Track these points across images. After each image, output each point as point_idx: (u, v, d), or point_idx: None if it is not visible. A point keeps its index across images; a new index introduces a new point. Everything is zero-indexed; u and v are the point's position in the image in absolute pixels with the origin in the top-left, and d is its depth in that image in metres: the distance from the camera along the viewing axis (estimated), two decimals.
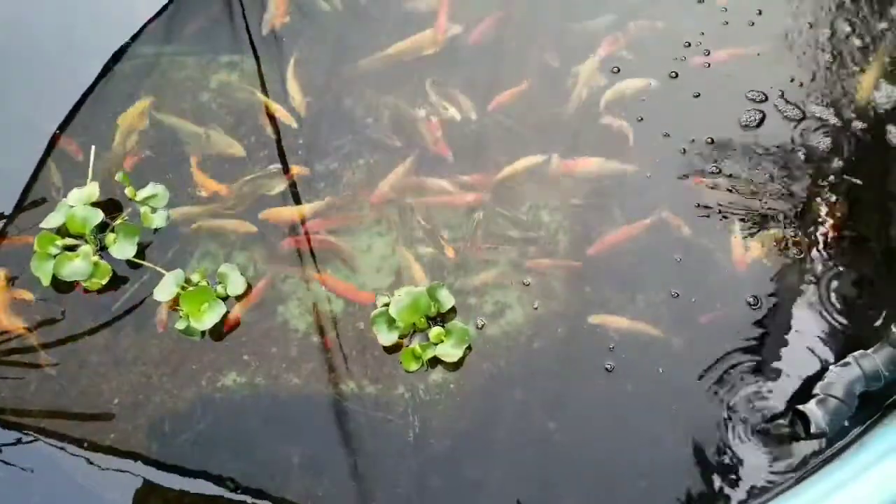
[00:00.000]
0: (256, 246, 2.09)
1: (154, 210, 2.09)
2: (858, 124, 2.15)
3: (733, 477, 1.77)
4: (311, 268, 2.06)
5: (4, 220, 2.14)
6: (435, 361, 1.91)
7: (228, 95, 2.32)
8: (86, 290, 2.03)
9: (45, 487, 1.84)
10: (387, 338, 1.92)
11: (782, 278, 1.97)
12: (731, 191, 2.09)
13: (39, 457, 1.87)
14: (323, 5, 2.46)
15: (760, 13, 2.36)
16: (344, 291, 2.01)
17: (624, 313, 1.94)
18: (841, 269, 1.97)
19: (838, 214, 2.04)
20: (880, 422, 1.77)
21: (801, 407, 1.76)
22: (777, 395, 1.83)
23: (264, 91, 2.32)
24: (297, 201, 2.14)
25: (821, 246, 2.00)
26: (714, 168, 2.12)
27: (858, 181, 2.08)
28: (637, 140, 2.17)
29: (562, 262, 2.02)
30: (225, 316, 1.97)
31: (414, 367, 1.90)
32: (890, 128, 2.14)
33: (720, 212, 2.06)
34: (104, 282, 2.02)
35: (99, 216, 2.03)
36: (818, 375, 1.82)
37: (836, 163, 2.11)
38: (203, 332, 1.97)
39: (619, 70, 2.28)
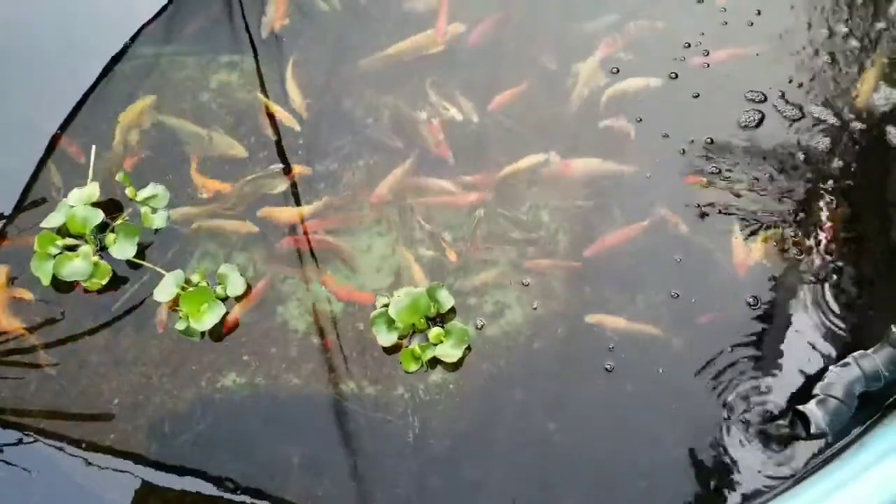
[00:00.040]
0: (256, 246, 2.09)
1: (154, 210, 2.09)
2: (857, 125, 2.16)
3: (733, 477, 1.77)
4: (311, 268, 2.06)
5: (4, 221, 2.14)
6: (434, 362, 1.91)
7: (228, 95, 2.32)
8: (86, 290, 2.03)
9: (44, 487, 1.84)
10: (386, 338, 1.92)
11: (782, 278, 1.97)
12: (730, 191, 2.09)
13: (39, 457, 1.87)
14: (322, 5, 2.46)
15: (759, 13, 2.36)
16: (347, 296, 2.01)
17: (624, 314, 1.94)
18: (841, 269, 1.97)
19: (838, 214, 2.04)
20: (880, 422, 1.77)
21: (801, 407, 1.76)
22: (777, 395, 1.83)
23: (264, 91, 2.32)
24: (298, 201, 2.14)
25: (821, 246, 2.00)
26: (713, 168, 2.12)
27: (858, 181, 2.08)
28: (637, 140, 2.17)
29: (561, 262, 2.02)
30: (224, 316, 1.97)
31: (413, 367, 1.90)
32: (889, 128, 2.14)
33: (720, 212, 2.06)
34: (104, 282, 2.02)
35: (99, 216, 2.03)
36: (818, 376, 1.82)
37: (836, 163, 2.11)
38: (203, 333, 1.97)
39: (618, 70, 2.28)
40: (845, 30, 2.32)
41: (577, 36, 2.36)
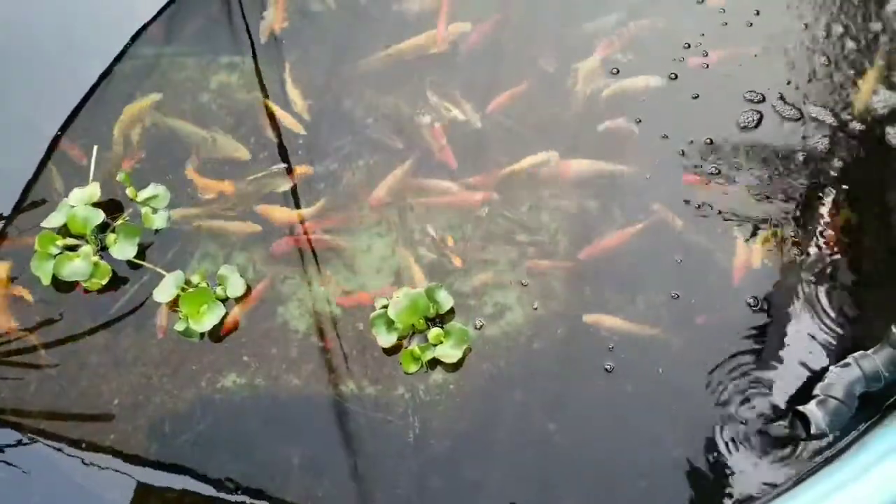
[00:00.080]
0: (256, 247, 2.09)
1: (155, 211, 2.09)
2: (856, 125, 2.16)
3: (733, 477, 1.77)
4: (311, 268, 2.06)
5: (4, 221, 2.14)
6: (434, 362, 1.91)
7: (228, 96, 2.32)
8: (86, 291, 2.03)
9: (44, 488, 1.84)
10: (386, 339, 1.92)
11: (782, 279, 1.97)
12: (730, 192, 2.09)
13: (39, 457, 1.87)
14: (322, 6, 2.46)
15: (758, 14, 2.36)
16: (351, 305, 2.01)
17: (624, 314, 1.94)
18: (840, 269, 1.97)
19: (837, 215, 2.04)
20: (880, 422, 1.77)
21: (801, 408, 1.76)
22: (777, 395, 1.83)
23: (264, 92, 2.32)
24: (297, 202, 2.14)
25: (821, 246, 2.00)
26: (713, 169, 2.12)
27: (858, 182, 2.08)
28: (636, 141, 2.17)
29: (561, 262, 2.02)
30: (224, 317, 1.97)
31: (413, 368, 1.90)
32: (889, 129, 2.14)
33: (719, 213, 2.06)
34: (104, 282, 2.02)
35: (100, 216, 2.04)
36: (818, 376, 1.82)
37: (835, 163, 2.11)
38: (202, 334, 1.97)
39: (618, 71, 2.28)
40: (843, 30, 2.32)
41: (577, 36, 2.36)
